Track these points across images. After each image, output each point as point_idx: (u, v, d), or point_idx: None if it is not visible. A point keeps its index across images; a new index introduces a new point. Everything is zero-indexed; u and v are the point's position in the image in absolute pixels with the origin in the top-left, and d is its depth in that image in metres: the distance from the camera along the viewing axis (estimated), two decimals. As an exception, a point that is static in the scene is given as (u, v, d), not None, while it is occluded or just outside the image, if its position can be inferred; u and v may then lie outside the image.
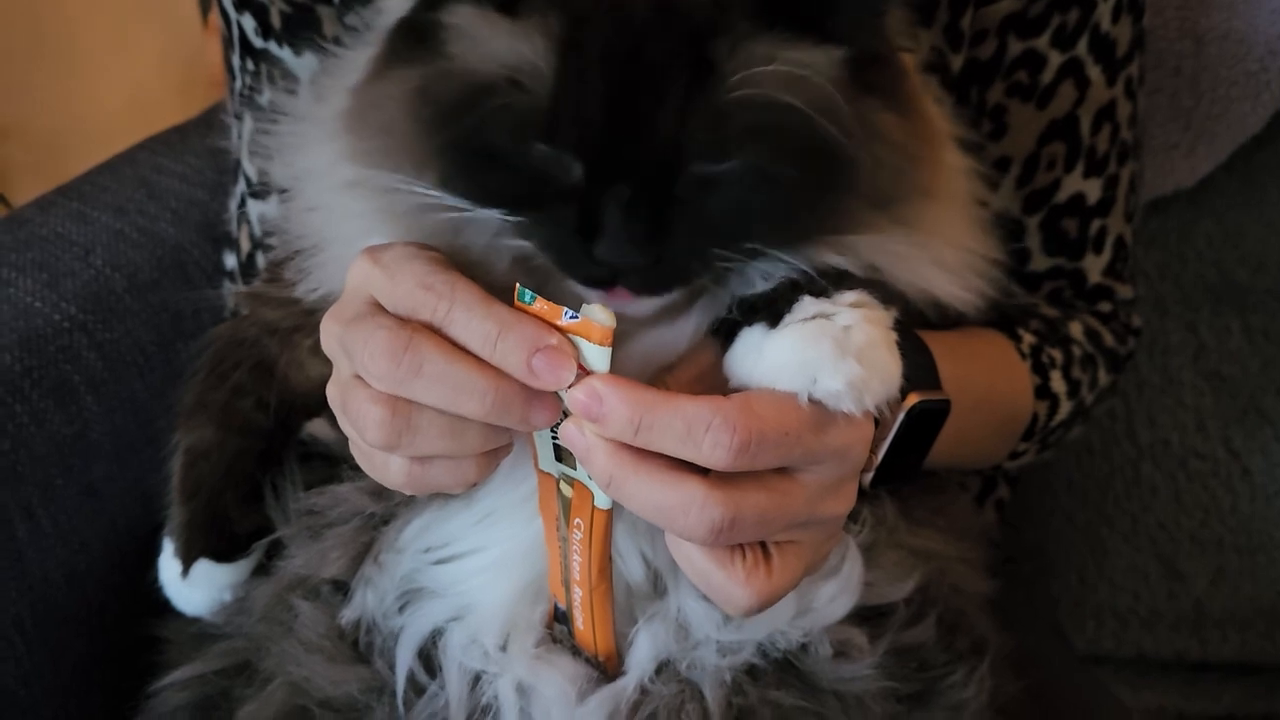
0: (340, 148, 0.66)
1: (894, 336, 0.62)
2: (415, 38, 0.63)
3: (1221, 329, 1.24)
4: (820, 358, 0.59)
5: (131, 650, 0.82)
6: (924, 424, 0.72)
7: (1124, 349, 1.00)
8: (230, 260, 1.03)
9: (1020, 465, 1.00)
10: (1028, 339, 0.93)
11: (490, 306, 0.59)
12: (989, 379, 0.88)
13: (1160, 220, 1.22)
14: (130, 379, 1.02)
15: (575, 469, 0.63)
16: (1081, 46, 0.93)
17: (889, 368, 0.61)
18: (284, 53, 0.93)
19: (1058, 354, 0.94)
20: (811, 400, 0.59)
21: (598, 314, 0.58)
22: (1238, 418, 1.24)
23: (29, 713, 0.90)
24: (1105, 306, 1.00)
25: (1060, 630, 1.18)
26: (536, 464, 0.65)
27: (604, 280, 0.60)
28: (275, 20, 0.93)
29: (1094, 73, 0.94)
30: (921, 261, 0.66)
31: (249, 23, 0.94)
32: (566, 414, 0.60)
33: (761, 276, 0.63)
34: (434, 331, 0.59)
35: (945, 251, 0.68)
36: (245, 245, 0.99)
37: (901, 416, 0.70)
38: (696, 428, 0.57)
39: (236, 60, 0.97)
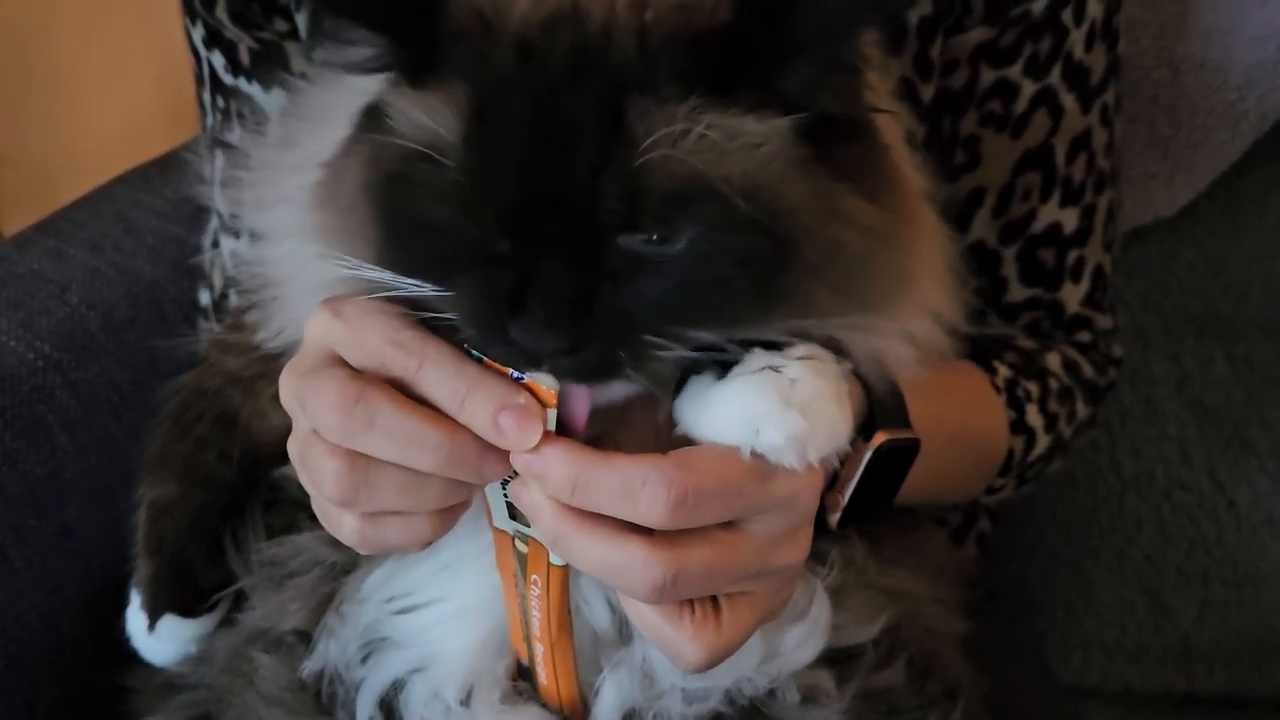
0: (308, 224, 0.66)
1: (844, 389, 0.61)
2: (375, 116, 0.62)
3: (1205, 359, 1.23)
4: (765, 410, 0.58)
5: (106, 693, 0.82)
6: (893, 462, 0.71)
7: (1103, 380, 0.99)
8: (204, 297, 1.03)
9: (998, 500, 0.99)
10: (1003, 372, 0.92)
11: (461, 364, 0.58)
12: (962, 415, 0.87)
13: (1141, 250, 1.21)
14: (105, 418, 1.02)
15: (530, 526, 0.62)
16: (1055, 75, 0.93)
17: (835, 422, 0.60)
18: (253, 89, 0.93)
19: (1034, 387, 0.93)
20: (754, 454, 0.58)
21: (541, 378, 0.58)
22: (1222, 448, 1.23)
23: (2, 757, 0.90)
24: (1084, 337, 0.99)
25: (1045, 665, 1.16)
26: (491, 522, 0.65)
27: (525, 362, 0.58)
28: (244, 57, 0.93)
29: (1068, 101, 0.93)
30: (886, 344, 0.65)
31: (219, 60, 0.95)
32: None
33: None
34: (389, 385, 0.59)
35: (911, 327, 0.66)
36: (218, 282, 0.99)
37: (868, 455, 0.69)
38: (633, 485, 0.57)
39: (207, 97, 0.97)
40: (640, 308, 0.56)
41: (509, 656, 0.70)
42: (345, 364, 0.60)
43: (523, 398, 0.57)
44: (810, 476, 0.61)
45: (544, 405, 0.58)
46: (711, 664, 0.62)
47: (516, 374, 0.58)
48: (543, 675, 0.68)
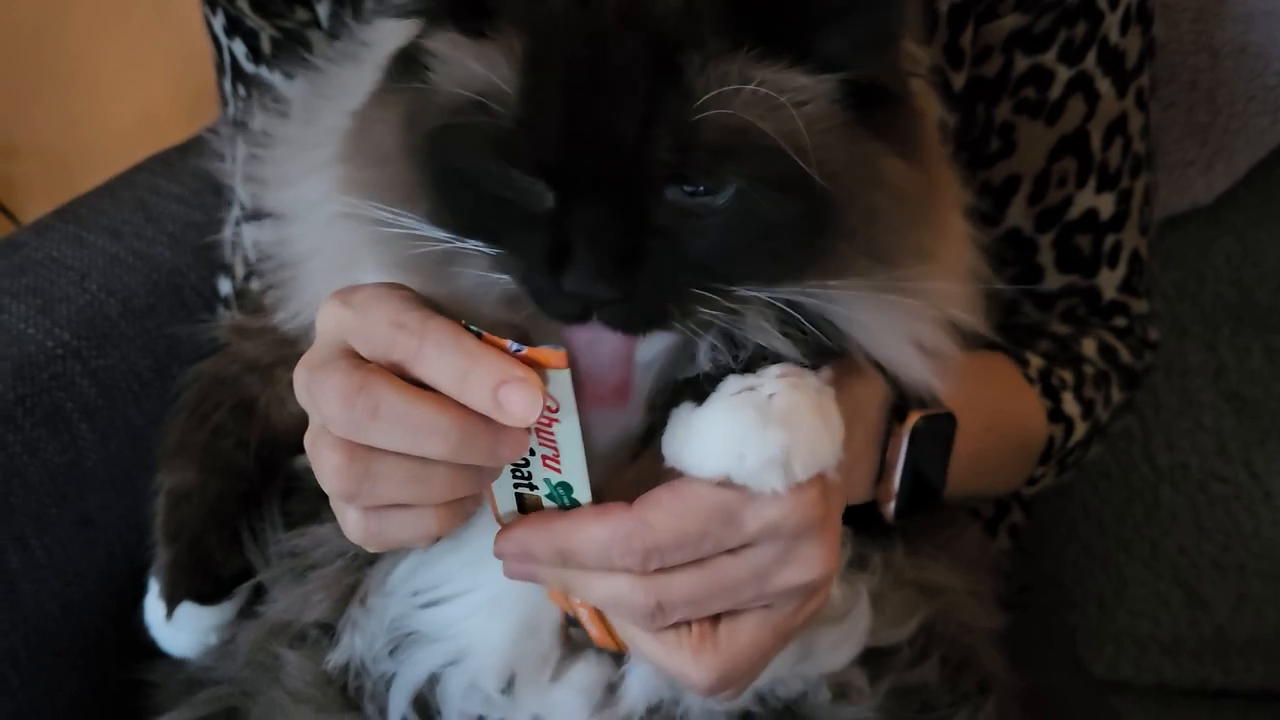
0: (336, 177, 0.65)
1: (827, 400, 0.61)
2: (408, 65, 0.62)
3: (1242, 349, 1.21)
4: (744, 431, 0.58)
5: (128, 688, 0.82)
6: (935, 445, 0.71)
7: (1140, 364, 0.98)
8: (225, 286, 1.02)
9: (1040, 488, 0.99)
10: (1035, 362, 0.91)
11: (461, 340, 0.57)
12: (996, 400, 0.87)
13: (1178, 238, 1.19)
14: (125, 406, 1.02)
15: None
16: (1090, 60, 0.92)
17: (817, 432, 0.60)
18: (275, 78, 0.93)
19: (1069, 375, 0.92)
20: (737, 482, 0.59)
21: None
22: (1259, 440, 1.21)
23: (23, 748, 0.89)
24: (1120, 322, 0.98)
25: (1078, 660, 1.15)
26: (497, 516, 0.63)
27: (576, 315, 0.58)
28: (266, 45, 0.93)
29: (1103, 86, 0.93)
30: (902, 342, 0.65)
31: (240, 48, 0.94)
32: (533, 451, 0.59)
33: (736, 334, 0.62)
34: (399, 372, 0.57)
35: (928, 331, 0.66)
36: (239, 271, 0.98)
37: (906, 437, 0.70)
38: (609, 549, 0.59)
39: (228, 86, 0.97)
40: (686, 263, 0.57)
41: (546, 636, 0.70)
42: (354, 355, 0.59)
43: (521, 371, 0.56)
44: (796, 498, 0.60)
45: (556, 368, 0.56)
46: (725, 684, 0.62)
47: (515, 346, 0.57)
48: (593, 631, 0.68)
